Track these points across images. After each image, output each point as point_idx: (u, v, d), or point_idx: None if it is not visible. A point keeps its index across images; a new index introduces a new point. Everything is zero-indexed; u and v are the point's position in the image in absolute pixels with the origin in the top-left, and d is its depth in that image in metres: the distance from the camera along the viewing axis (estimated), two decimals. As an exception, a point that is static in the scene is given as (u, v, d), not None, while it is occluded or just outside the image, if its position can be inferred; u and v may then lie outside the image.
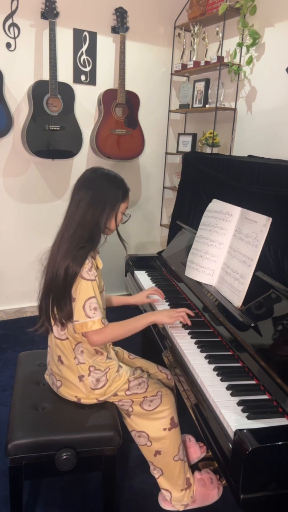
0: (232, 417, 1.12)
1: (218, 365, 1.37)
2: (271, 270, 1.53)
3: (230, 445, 1.05)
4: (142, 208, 3.57)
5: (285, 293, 1.37)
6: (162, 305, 1.84)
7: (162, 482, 1.63)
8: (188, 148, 3.22)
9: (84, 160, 3.22)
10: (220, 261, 1.75)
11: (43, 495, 1.70)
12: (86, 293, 1.40)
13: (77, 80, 3.05)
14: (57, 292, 1.42)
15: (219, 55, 2.78)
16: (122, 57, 2.99)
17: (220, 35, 2.78)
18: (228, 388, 1.25)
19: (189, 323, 1.60)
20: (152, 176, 3.55)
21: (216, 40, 2.90)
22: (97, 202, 1.46)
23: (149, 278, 2.19)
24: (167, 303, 1.84)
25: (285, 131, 2.50)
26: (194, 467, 1.77)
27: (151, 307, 1.86)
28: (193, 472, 1.69)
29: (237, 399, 1.19)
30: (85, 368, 1.50)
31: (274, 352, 1.27)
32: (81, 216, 1.45)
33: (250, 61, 2.67)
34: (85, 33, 3.00)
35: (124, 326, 1.51)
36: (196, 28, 3.00)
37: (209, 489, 1.67)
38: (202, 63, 2.95)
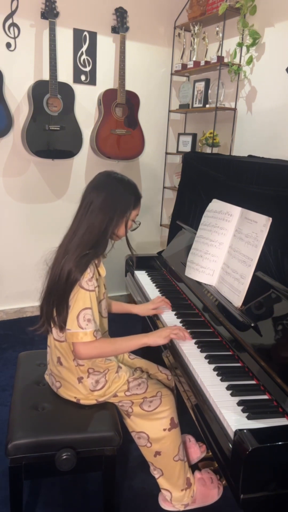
0: (232, 417, 1.12)
1: (218, 365, 1.37)
2: (271, 270, 1.53)
3: (230, 445, 1.05)
4: (142, 208, 3.55)
5: (285, 293, 1.37)
6: (168, 314, 1.75)
7: (162, 482, 1.63)
8: (188, 148, 3.22)
9: (84, 160, 3.22)
10: (220, 261, 1.75)
11: (43, 495, 1.70)
12: (83, 303, 1.38)
13: (77, 80, 3.05)
14: (57, 295, 1.41)
15: (219, 55, 2.78)
16: (122, 57, 2.99)
17: (220, 35, 2.78)
18: (228, 388, 1.25)
19: (184, 339, 1.53)
20: (152, 176, 3.55)
21: (216, 40, 2.90)
22: (108, 207, 1.43)
23: (149, 278, 2.19)
24: (174, 312, 1.76)
25: (285, 131, 2.50)
26: (194, 467, 1.77)
27: (157, 315, 1.81)
28: (193, 472, 1.70)
29: (237, 399, 1.19)
30: (84, 369, 1.50)
31: (274, 352, 1.27)
32: (90, 221, 1.43)
33: (250, 61, 2.67)
34: (85, 33, 3.00)
35: (114, 345, 1.46)
36: (196, 28, 3.00)
37: (209, 489, 1.67)
38: (202, 63, 2.95)
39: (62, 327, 1.44)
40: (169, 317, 1.72)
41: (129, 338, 1.49)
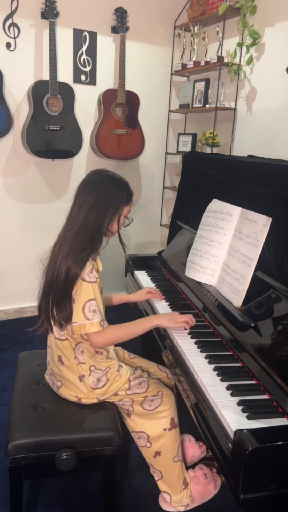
0: (232, 417, 1.12)
1: (218, 365, 1.37)
2: (271, 270, 1.53)
3: (230, 445, 1.05)
4: (142, 208, 3.57)
5: (285, 293, 1.37)
6: (161, 304, 1.84)
7: (161, 484, 1.63)
8: (188, 148, 3.22)
9: (84, 160, 3.22)
10: (220, 261, 1.75)
11: (43, 495, 1.70)
12: (87, 295, 1.40)
13: (77, 80, 3.05)
14: (57, 293, 1.42)
15: (219, 55, 2.78)
16: (122, 57, 2.99)
17: (220, 35, 2.78)
18: (228, 388, 1.25)
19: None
20: (152, 176, 3.55)
21: (216, 40, 2.90)
22: (101, 205, 1.46)
23: (149, 278, 2.19)
24: (167, 303, 1.84)
25: (285, 131, 2.50)
26: (192, 467, 1.77)
27: (151, 306, 1.85)
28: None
29: (237, 399, 1.19)
30: (86, 368, 1.50)
31: (274, 352, 1.27)
32: (83, 218, 1.45)
33: (250, 61, 2.67)
34: (85, 33, 3.00)
35: (126, 329, 1.51)
36: (196, 28, 3.00)
37: (205, 485, 1.67)
38: (202, 63, 2.95)
39: (62, 325, 1.45)
40: (169, 317, 1.72)
41: (140, 321, 1.54)
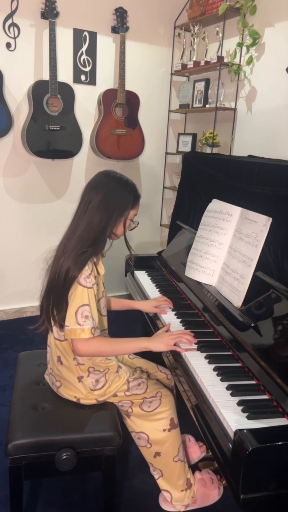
0: (232, 417, 1.12)
1: (218, 365, 1.37)
2: (271, 270, 1.53)
3: (230, 445, 1.05)
4: (142, 208, 3.54)
5: (285, 293, 1.37)
6: (168, 314, 1.76)
7: (162, 483, 1.63)
8: (188, 148, 3.22)
9: (84, 160, 3.22)
10: (220, 261, 1.75)
11: (43, 495, 1.70)
12: (81, 299, 1.38)
13: (77, 80, 3.05)
14: (56, 293, 1.42)
15: (219, 55, 2.78)
16: (122, 57, 2.99)
17: (220, 35, 2.78)
18: (228, 388, 1.25)
19: (191, 343, 1.49)
20: (152, 176, 3.55)
21: (216, 40, 2.90)
22: (106, 206, 1.44)
23: (149, 278, 2.19)
24: (174, 312, 1.76)
25: (285, 131, 2.50)
26: (194, 467, 1.77)
27: (157, 315, 1.82)
28: (193, 472, 1.69)
29: (237, 399, 1.19)
30: (84, 369, 1.50)
31: (274, 352, 1.27)
32: (88, 219, 1.43)
33: (250, 61, 2.67)
34: (85, 33, 3.00)
35: (113, 344, 1.45)
36: (196, 28, 3.00)
37: (209, 489, 1.67)
38: (202, 63, 2.95)
39: (62, 325, 1.44)
40: (169, 317, 1.72)
41: (130, 340, 1.48)
